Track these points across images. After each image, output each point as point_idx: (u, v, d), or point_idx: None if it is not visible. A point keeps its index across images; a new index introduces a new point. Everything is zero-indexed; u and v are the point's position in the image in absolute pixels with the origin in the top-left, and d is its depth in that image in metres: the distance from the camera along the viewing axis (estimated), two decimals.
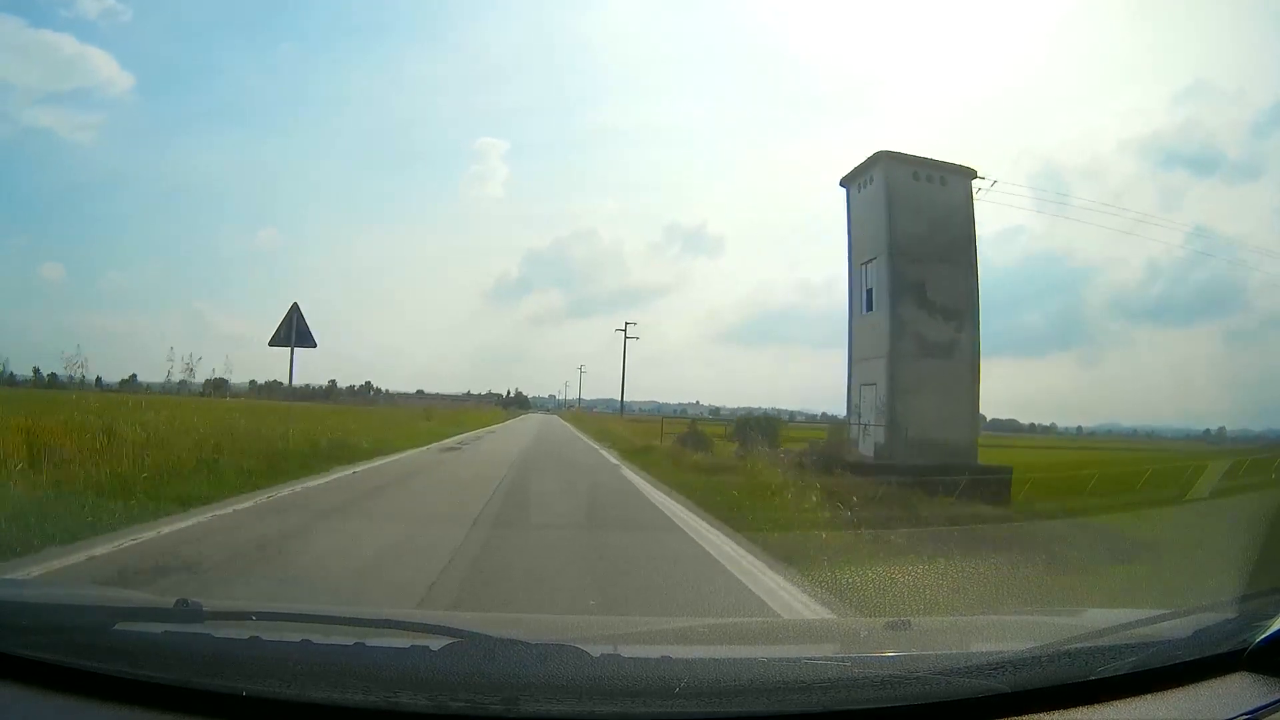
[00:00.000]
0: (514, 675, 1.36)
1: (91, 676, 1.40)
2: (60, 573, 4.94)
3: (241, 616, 1.77)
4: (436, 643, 1.45)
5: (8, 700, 1.39)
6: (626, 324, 53.13)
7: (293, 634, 1.56)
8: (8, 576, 4.41)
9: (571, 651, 1.43)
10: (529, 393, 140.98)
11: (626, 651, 1.68)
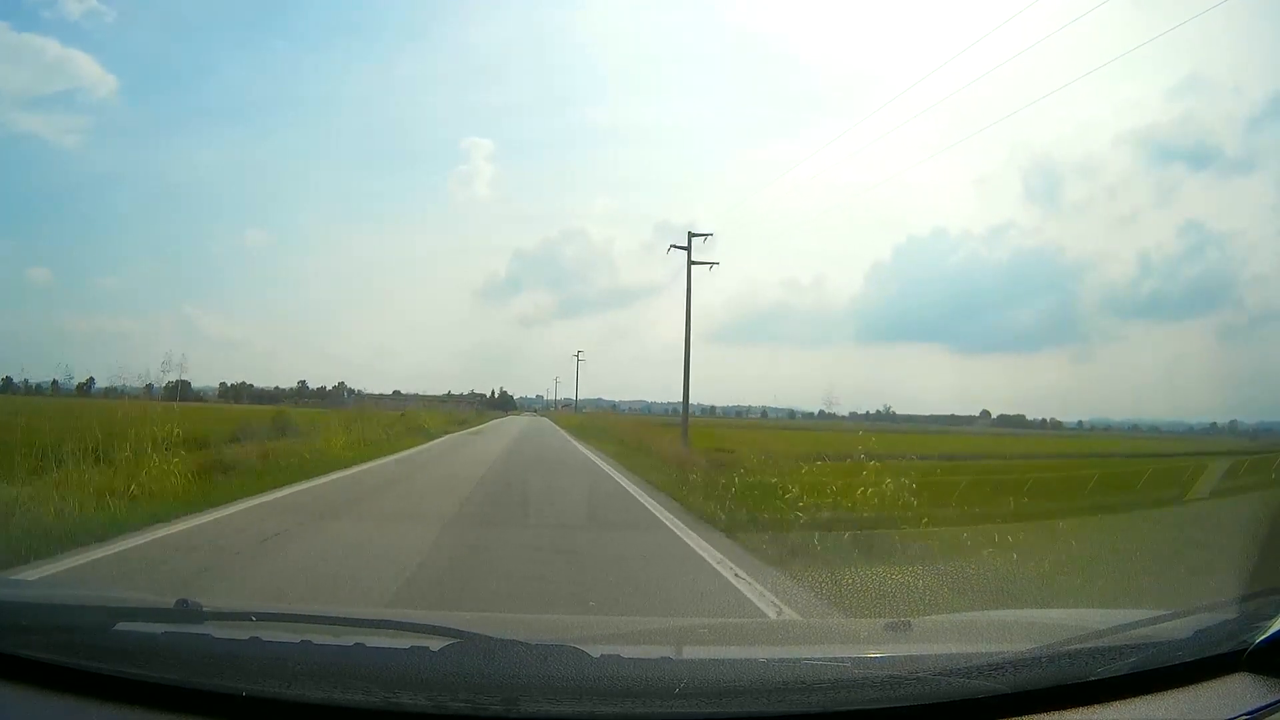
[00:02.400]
0: (514, 675, 1.36)
1: (92, 676, 1.40)
2: None
3: (241, 617, 1.77)
4: (436, 643, 1.45)
5: (8, 700, 1.39)
6: (692, 235, 26.21)
7: (293, 634, 1.56)
8: (8, 576, 4.41)
9: (571, 652, 1.43)
10: (517, 392, 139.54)
11: (626, 652, 1.68)
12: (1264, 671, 1.51)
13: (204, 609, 1.68)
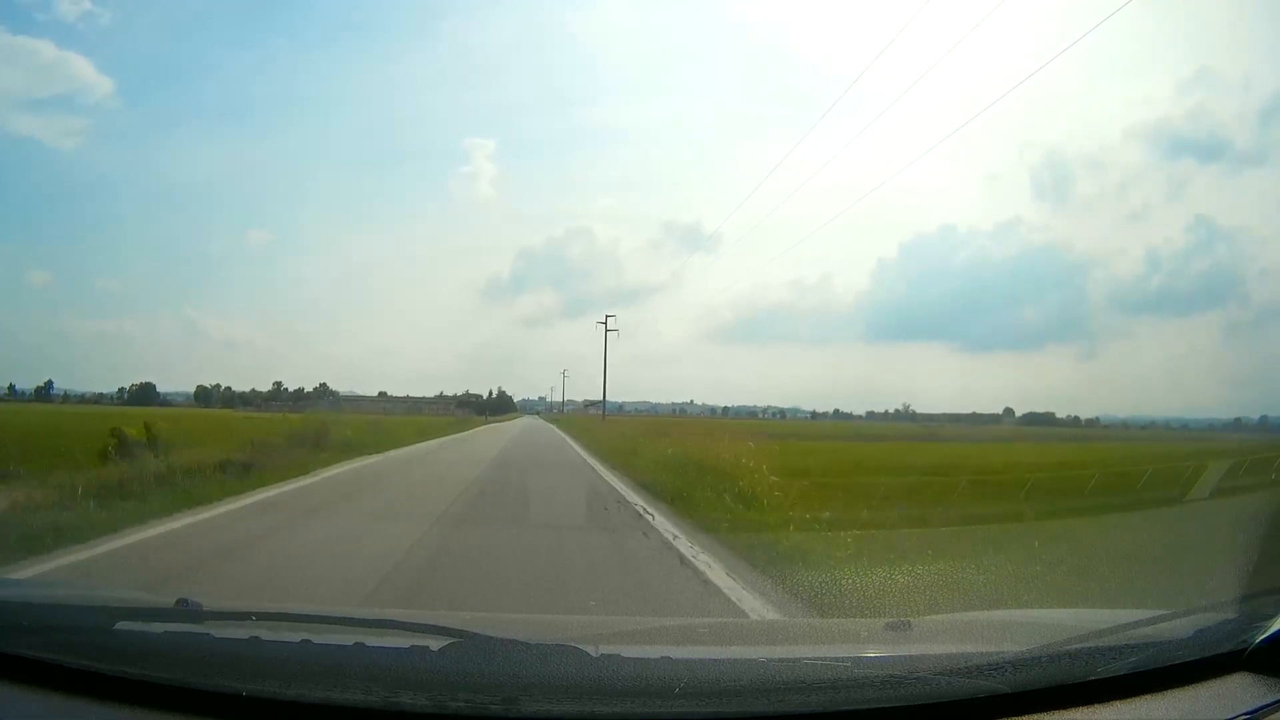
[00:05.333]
0: (514, 675, 1.36)
1: (92, 676, 1.40)
2: None
3: (241, 616, 1.77)
4: (436, 643, 1.45)
5: (8, 700, 1.39)
6: None
7: (293, 634, 1.56)
8: (8, 577, 4.41)
9: (571, 651, 1.43)
10: (519, 394, 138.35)
11: (626, 651, 1.68)
12: (1264, 671, 1.51)
13: (204, 609, 1.69)
